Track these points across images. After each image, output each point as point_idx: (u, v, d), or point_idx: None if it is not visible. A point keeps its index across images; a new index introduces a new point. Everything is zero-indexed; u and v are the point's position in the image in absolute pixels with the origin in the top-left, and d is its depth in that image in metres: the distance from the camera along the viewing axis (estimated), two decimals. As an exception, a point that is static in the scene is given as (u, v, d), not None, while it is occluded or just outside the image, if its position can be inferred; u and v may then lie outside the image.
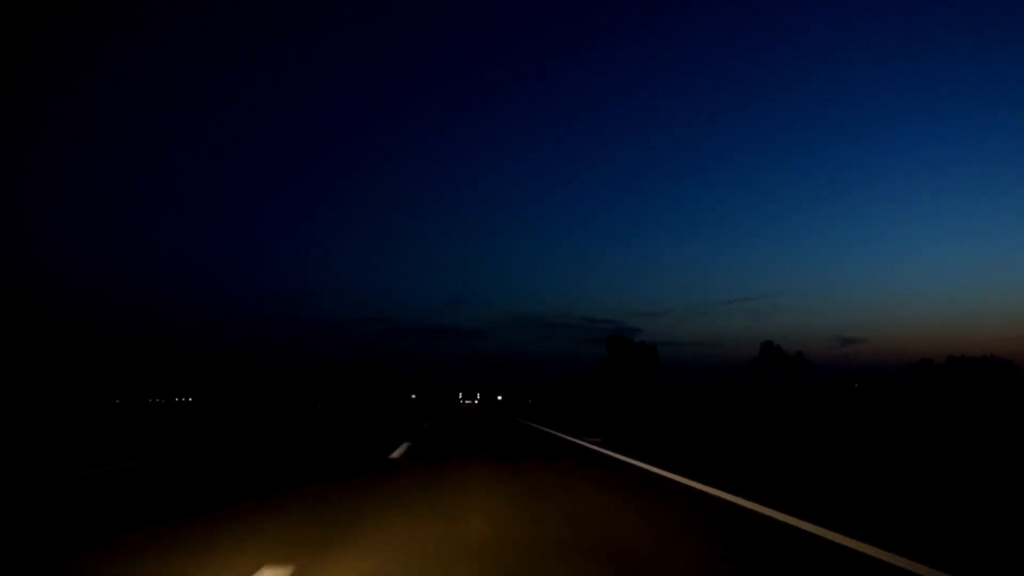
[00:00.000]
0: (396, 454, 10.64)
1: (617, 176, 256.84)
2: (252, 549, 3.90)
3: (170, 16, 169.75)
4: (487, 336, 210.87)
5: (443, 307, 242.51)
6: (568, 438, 15.31)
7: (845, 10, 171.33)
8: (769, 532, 4.48)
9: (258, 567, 3.48)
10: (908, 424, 17.98)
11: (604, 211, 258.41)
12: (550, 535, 4.40)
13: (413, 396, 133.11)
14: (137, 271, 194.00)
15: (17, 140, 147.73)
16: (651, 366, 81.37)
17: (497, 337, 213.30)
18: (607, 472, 8.46)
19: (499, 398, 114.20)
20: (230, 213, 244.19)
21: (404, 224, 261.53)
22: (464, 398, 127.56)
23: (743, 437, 14.91)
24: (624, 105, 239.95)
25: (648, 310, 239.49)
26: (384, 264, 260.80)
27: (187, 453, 10.96)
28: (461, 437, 16.19)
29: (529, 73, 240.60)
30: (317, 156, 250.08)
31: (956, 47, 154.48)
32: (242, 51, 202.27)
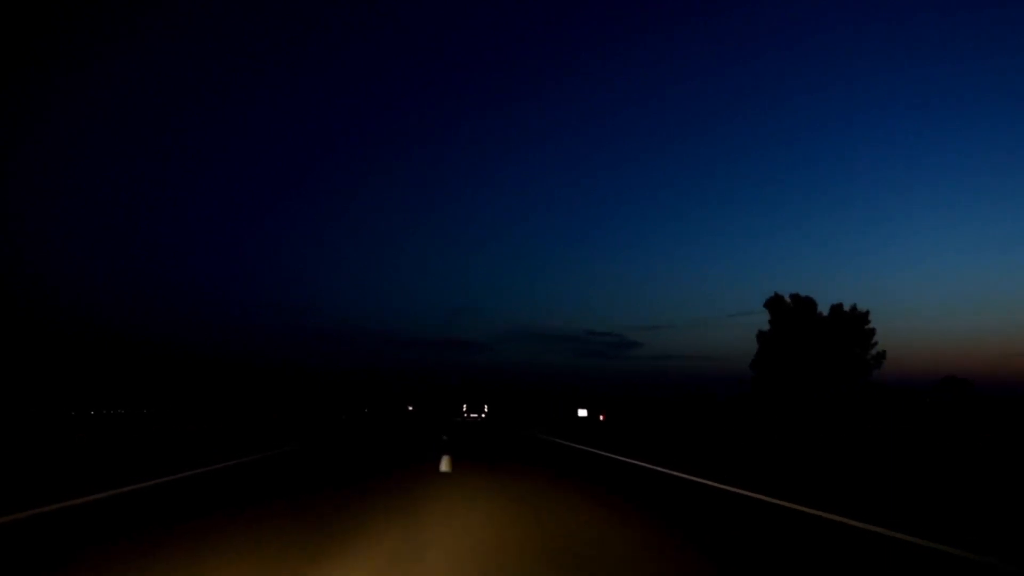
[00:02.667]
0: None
1: (618, 189, 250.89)
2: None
3: (172, 24, 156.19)
4: (488, 349, 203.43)
5: (444, 319, 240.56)
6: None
7: (837, 21, 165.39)
8: None
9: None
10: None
11: (605, 223, 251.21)
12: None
13: (410, 408, 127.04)
14: (135, 277, 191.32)
15: (15, 148, 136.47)
16: (863, 356, 44.99)
17: (498, 350, 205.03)
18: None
19: (583, 414, 70.26)
20: (231, 222, 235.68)
21: (405, 235, 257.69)
22: (469, 411, 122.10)
23: None
24: (623, 118, 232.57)
25: (650, 323, 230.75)
26: (385, 275, 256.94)
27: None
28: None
29: (528, 86, 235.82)
30: (318, 166, 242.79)
31: (947, 57, 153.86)
32: (244, 59, 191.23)
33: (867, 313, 47.61)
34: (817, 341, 46.66)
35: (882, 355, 46.58)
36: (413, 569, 3.78)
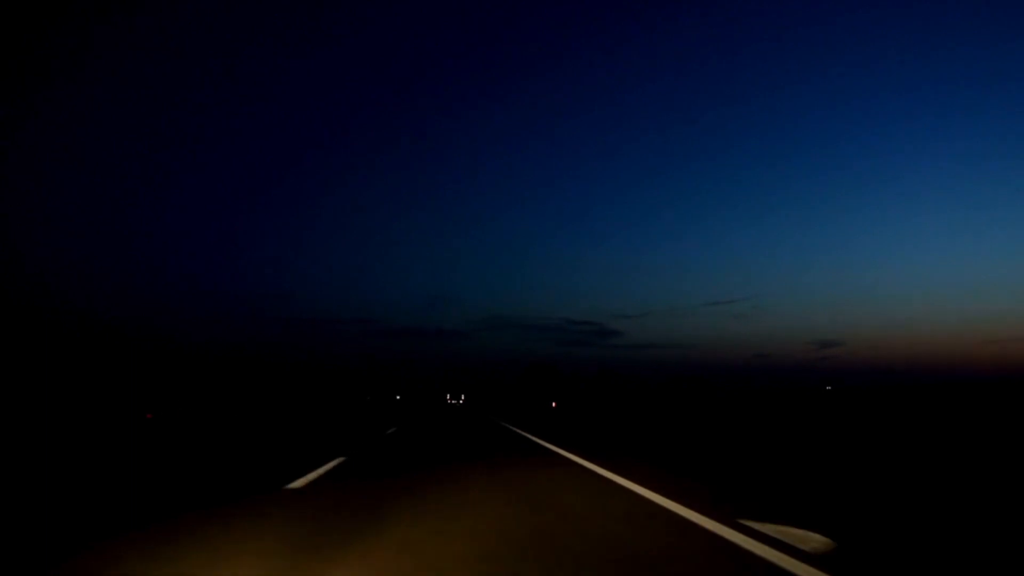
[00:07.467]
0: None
1: (598, 178, 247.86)
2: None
3: (162, 21, 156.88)
4: (467, 337, 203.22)
5: (424, 308, 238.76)
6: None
7: (825, 16, 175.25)
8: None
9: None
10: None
11: (585, 213, 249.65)
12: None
13: (397, 397, 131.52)
14: (120, 267, 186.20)
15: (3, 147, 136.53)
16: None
17: (477, 338, 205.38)
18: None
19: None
20: (215, 212, 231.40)
21: (386, 225, 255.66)
22: (451, 398, 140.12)
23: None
24: (606, 108, 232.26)
25: (629, 312, 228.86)
26: (366, 264, 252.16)
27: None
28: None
29: (511, 77, 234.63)
30: (302, 157, 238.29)
31: (935, 54, 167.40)
32: (225, 55, 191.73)
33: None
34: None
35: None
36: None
